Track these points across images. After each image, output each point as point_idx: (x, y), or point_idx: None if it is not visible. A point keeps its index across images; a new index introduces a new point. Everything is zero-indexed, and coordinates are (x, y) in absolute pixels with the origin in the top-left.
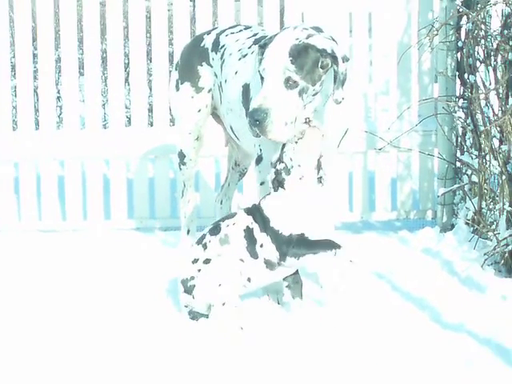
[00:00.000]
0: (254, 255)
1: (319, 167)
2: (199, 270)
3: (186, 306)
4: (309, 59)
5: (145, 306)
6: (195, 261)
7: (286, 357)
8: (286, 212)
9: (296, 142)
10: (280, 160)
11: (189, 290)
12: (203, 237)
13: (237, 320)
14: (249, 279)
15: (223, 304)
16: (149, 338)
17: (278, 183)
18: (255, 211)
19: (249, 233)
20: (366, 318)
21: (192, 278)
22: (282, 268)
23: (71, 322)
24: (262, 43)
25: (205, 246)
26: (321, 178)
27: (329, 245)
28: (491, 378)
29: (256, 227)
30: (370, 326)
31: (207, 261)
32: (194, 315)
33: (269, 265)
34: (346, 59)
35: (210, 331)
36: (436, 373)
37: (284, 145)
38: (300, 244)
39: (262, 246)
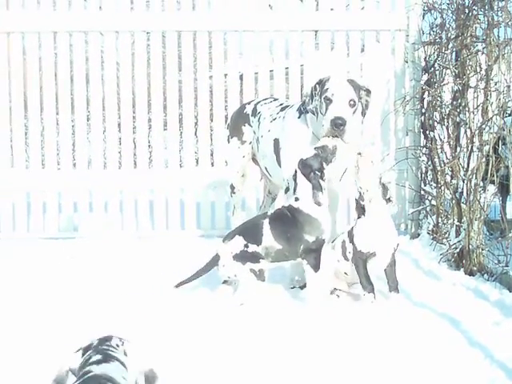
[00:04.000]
0: (346, 258)
1: (385, 189)
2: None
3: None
4: (358, 88)
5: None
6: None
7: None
8: (365, 233)
9: (356, 172)
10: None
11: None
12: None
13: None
14: (345, 272)
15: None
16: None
17: (360, 210)
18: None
19: (343, 245)
20: (348, 299)
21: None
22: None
23: (148, 298)
24: (319, 81)
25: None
26: (389, 198)
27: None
28: (441, 348)
29: (347, 241)
30: (351, 306)
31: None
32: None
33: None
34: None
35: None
36: (399, 347)
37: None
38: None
39: (349, 252)
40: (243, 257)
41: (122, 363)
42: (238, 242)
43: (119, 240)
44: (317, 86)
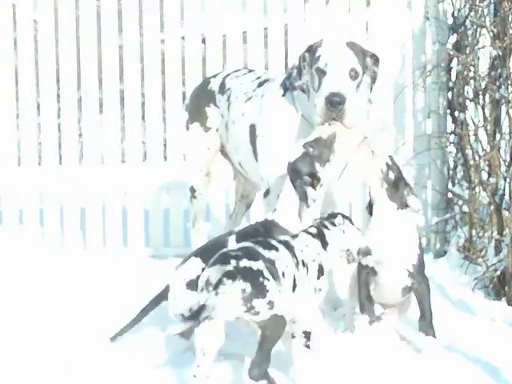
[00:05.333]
0: None
1: (396, 188)
2: None
3: None
4: (361, 54)
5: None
6: None
7: None
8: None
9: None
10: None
11: None
12: None
13: None
14: None
15: None
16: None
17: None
18: None
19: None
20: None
21: None
22: None
23: (81, 348)
24: (308, 48)
25: None
26: (405, 202)
27: None
28: None
29: None
30: (362, 347)
31: None
32: None
33: None
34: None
35: None
36: None
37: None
38: None
39: None
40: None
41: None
42: (194, 266)
43: (35, 260)
44: (306, 54)
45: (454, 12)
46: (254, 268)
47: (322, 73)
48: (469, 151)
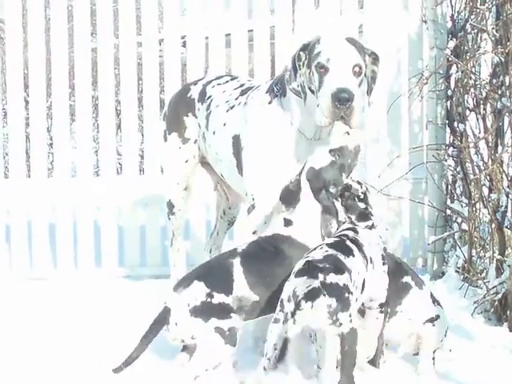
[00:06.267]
0: None
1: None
2: None
3: None
4: (362, 51)
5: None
6: None
7: None
8: None
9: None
10: None
11: None
12: None
13: None
14: None
15: None
16: None
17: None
18: None
19: None
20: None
21: None
22: None
23: (57, 370)
24: (303, 46)
25: None
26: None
27: None
28: None
29: None
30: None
31: None
32: None
33: None
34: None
35: None
36: None
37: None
38: None
39: None
40: (205, 311)
41: None
42: (199, 291)
43: (5, 283)
44: (301, 53)
45: (453, 15)
46: (341, 284)
47: (324, 69)
48: (469, 165)
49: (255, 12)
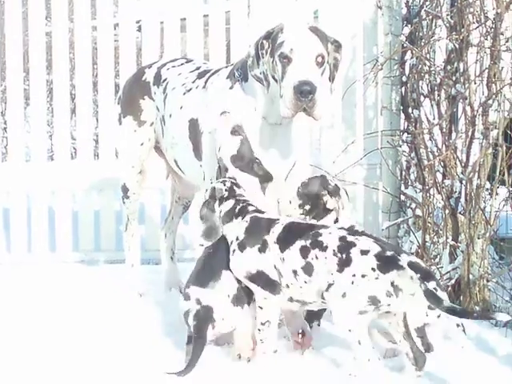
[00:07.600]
0: None
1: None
2: None
3: None
4: (325, 39)
5: (90, 341)
6: None
7: None
8: None
9: None
10: None
11: None
12: None
13: None
14: None
15: None
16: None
17: None
18: None
19: None
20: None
21: None
22: None
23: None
24: (267, 34)
25: None
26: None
27: None
28: None
29: None
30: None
31: None
32: None
33: None
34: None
35: None
36: None
37: None
38: None
39: None
40: (244, 295)
41: None
42: (230, 279)
43: None
44: (264, 41)
45: (408, 1)
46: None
47: (287, 60)
48: (423, 151)
49: None
